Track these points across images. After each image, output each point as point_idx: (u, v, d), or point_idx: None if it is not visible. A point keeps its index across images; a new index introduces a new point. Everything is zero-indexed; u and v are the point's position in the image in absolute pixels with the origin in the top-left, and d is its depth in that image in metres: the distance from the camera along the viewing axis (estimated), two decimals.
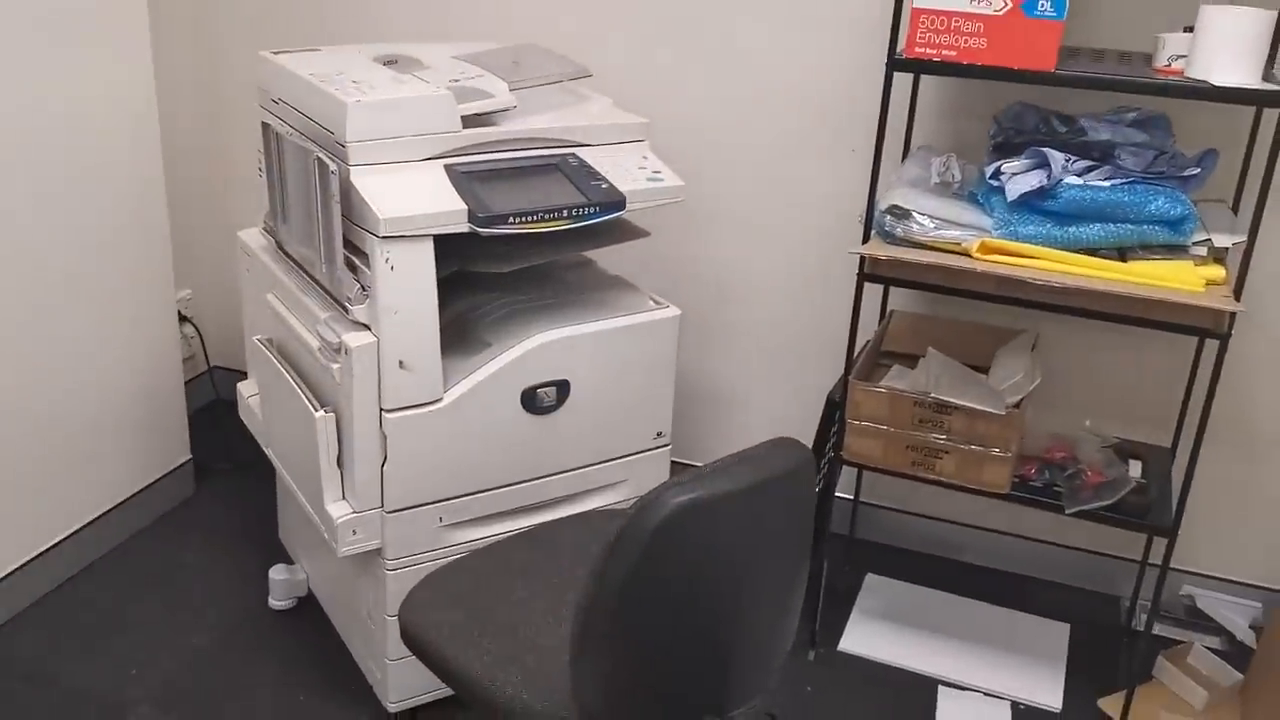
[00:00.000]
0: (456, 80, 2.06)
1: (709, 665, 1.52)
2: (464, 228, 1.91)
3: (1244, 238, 1.96)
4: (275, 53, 2.19)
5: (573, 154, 2.10)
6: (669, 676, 1.50)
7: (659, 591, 1.43)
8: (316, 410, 2.02)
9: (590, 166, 2.08)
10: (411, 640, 1.72)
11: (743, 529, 1.45)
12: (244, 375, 2.54)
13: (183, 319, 3.01)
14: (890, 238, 2.12)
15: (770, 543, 1.52)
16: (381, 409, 1.96)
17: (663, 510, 1.37)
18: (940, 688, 2.41)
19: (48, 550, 2.55)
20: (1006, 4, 1.94)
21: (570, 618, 1.51)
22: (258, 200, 2.38)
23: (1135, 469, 2.31)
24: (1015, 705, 2.38)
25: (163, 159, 2.70)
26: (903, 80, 2.28)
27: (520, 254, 2.08)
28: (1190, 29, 1.94)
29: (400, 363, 1.94)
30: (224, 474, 3.03)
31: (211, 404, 3.28)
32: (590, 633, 1.47)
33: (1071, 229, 2.01)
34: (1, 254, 2.31)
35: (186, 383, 2.95)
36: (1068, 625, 2.63)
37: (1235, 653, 2.53)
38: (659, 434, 2.29)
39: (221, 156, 3.16)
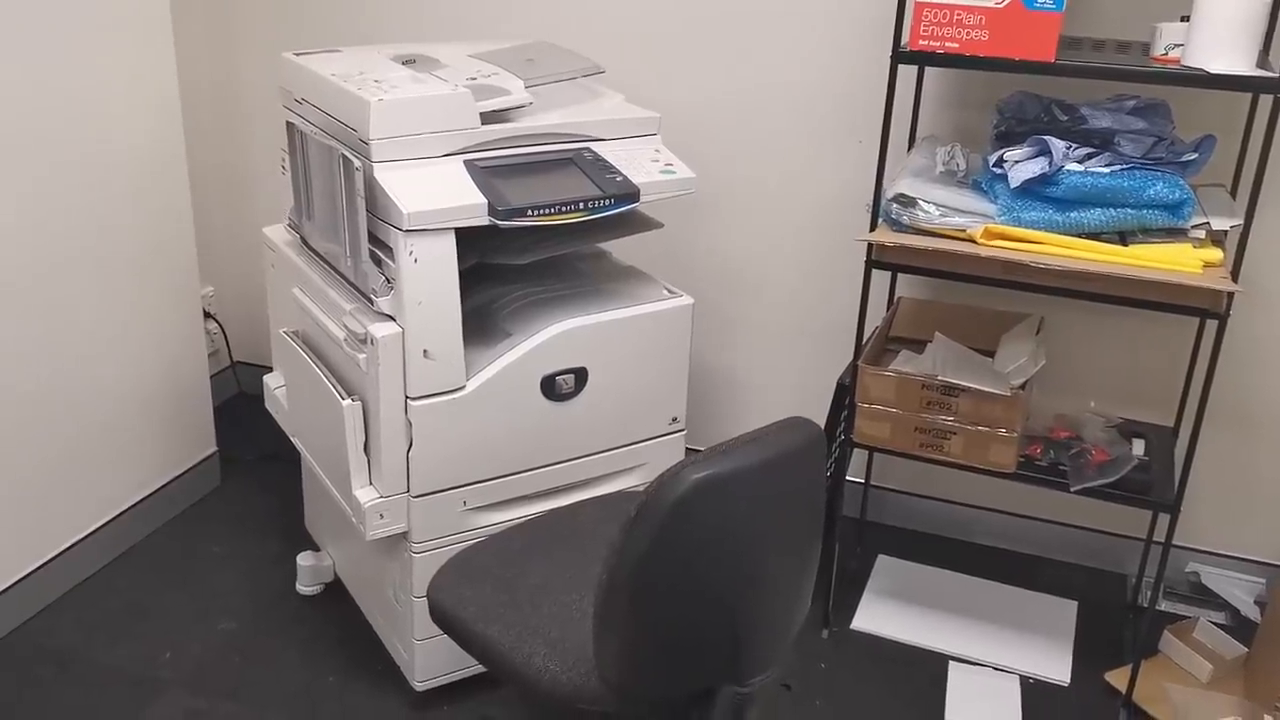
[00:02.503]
0: (474, 78, 2.12)
1: (726, 636, 1.58)
2: (484, 221, 1.97)
3: (1241, 221, 2.02)
4: (297, 54, 2.25)
5: (587, 148, 2.16)
6: (688, 647, 1.56)
7: (677, 564, 1.48)
8: (344, 399, 2.08)
9: (605, 160, 2.14)
10: (440, 617, 1.78)
11: (758, 503, 1.51)
12: (266, 369, 2.60)
13: (206, 315, 3.07)
14: (897, 225, 2.17)
15: (784, 516, 1.57)
16: (407, 397, 2.03)
17: (680, 486, 1.43)
18: (951, 663, 2.47)
19: (80, 541, 2.62)
20: None
21: (593, 592, 1.58)
22: (277, 198, 2.45)
23: (1138, 448, 2.36)
24: (1024, 680, 2.44)
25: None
26: (907, 72, 2.33)
27: (538, 246, 2.14)
28: (1186, 18, 1.99)
29: (424, 352, 2.00)
30: (248, 465, 3.10)
31: (235, 398, 3.35)
32: (612, 605, 1.53)
33: (1073, 214, 2.06)
34: (31, 254, 2.37)
35: (211, 377, 3.01)
36: (1075, 602, 2.68)
37: (1239, 627, 2.58)
38: (674, 419, 2.35)
39: (241, 155, 3.23)
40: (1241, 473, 2.63)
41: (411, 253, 1.94)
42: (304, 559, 2.60)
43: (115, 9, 2.50)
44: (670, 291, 2.30)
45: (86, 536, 2.64)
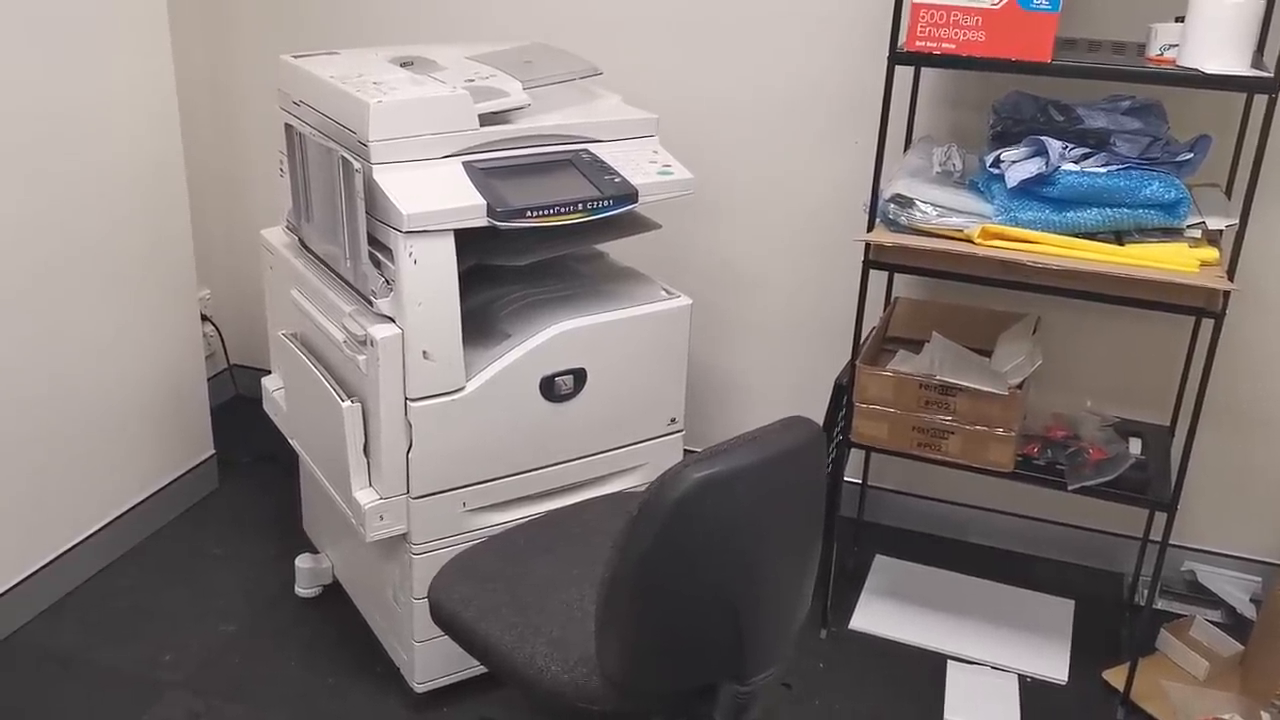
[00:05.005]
0: (472, 80, 2.13)
1: (728, 634, 1.58)
2: (483, 222, 1.98)
3: (1237, 220, 2.03)
4: (296, 56, 2.25)
5: (586, 149, 2.16)
6: (689, 645, 1.57)
7: (679, 562, 1.49)
8: (343, 401, 2.08)
9: (603, 161, 2.15)
10: (441, 617, 1.79)
11: (758, 502, 1.51)
12: (263, 372, 2.60)
13: (203, 318, 3.07)
14: (894, 226, 2.18)
15: (785, 514, 1.58)
16: (406, 398, 2.03)
17: (682, 484, 1.44)
18: (949, 662, 2.48)
19: (80, 543, 2.62)
20: None
21: (594, 591, 1.58)
22: (274, 201, 2.45)
23: (1135, 446, 2.37)
24: (1023, 678, 2.44)
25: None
26: (904, 73, 2.34)
27: (537, 247, 2.14)
28: (1181, 19, 2.00)
29: (424, 353, 2.01)
30: (246, 468, 3.10)
31: (232, 400, 3.35)
32: (613, 603, 1.54)
33: (1069, 214, 2.07)
34: (28, 257, 2.37)
35: (208, 380, 3.01)
36: (1072, 601, 2.69)
37: (1235, 625, 2.59)
38: (672, 420, 2.35)
39: (238, 158, 3.23)
40: (1237, 471, 2.64)
41: (411, 254, 1.94)
42: (303, 561, 2.60)
43: (112, 12, 2.50)
44: (668, 292, 2.30)
45: (86, 539, 2.64)
